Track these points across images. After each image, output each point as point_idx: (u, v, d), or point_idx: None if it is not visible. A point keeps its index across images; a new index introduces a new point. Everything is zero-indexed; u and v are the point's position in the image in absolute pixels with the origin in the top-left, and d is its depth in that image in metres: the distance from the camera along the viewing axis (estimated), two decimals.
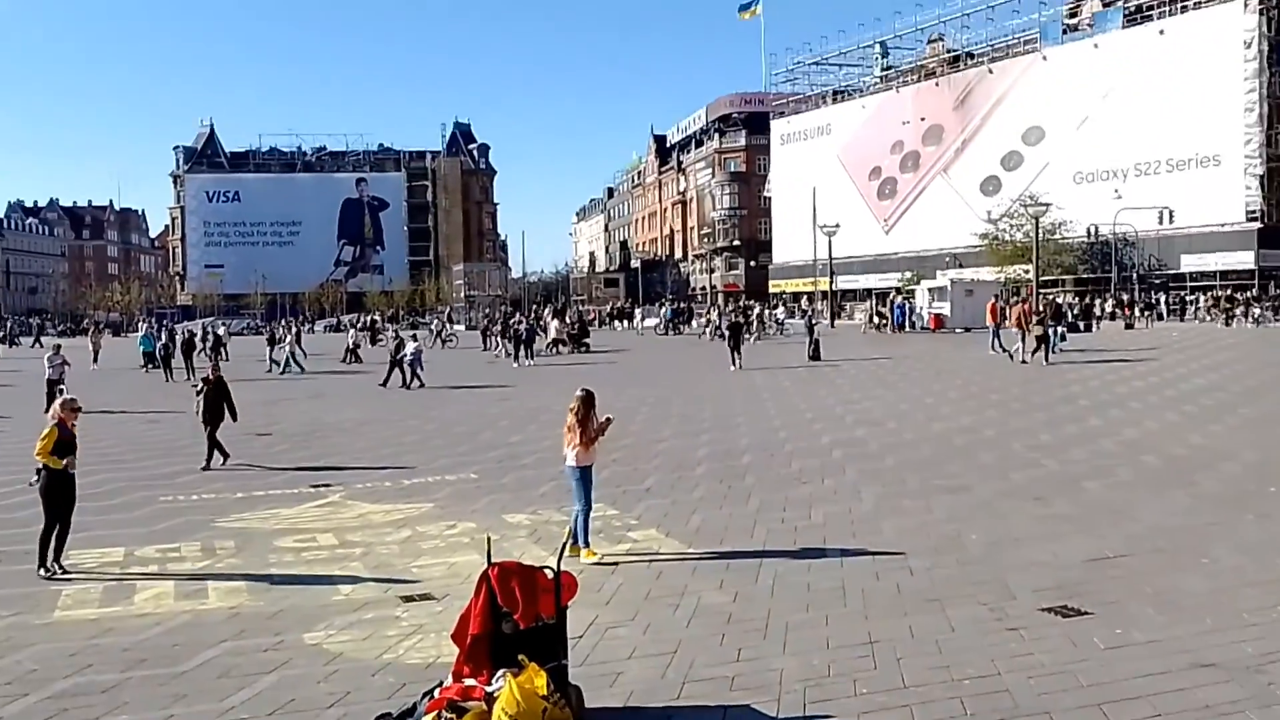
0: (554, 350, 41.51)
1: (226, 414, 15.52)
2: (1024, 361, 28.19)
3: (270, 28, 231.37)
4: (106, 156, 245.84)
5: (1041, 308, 33.72)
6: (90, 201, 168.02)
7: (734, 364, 30.61)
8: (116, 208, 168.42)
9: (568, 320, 49.17)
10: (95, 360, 38.59)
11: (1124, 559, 8.81)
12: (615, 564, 9.26)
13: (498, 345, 41.90)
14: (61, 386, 24.05)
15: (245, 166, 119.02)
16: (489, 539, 7.61)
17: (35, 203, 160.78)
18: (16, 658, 7.19)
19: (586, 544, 9.45)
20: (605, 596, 8.21)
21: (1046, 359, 27.95)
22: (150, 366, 35.88)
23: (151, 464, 15.82)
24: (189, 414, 22.44)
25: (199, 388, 15.84)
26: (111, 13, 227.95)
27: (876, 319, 52.33)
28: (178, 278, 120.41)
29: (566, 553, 6.78)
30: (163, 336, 35.52)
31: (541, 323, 48.98)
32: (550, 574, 6.11)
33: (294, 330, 43.65)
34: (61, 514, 9.45)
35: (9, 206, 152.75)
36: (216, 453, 15.32)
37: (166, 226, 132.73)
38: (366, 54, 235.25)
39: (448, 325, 61.31)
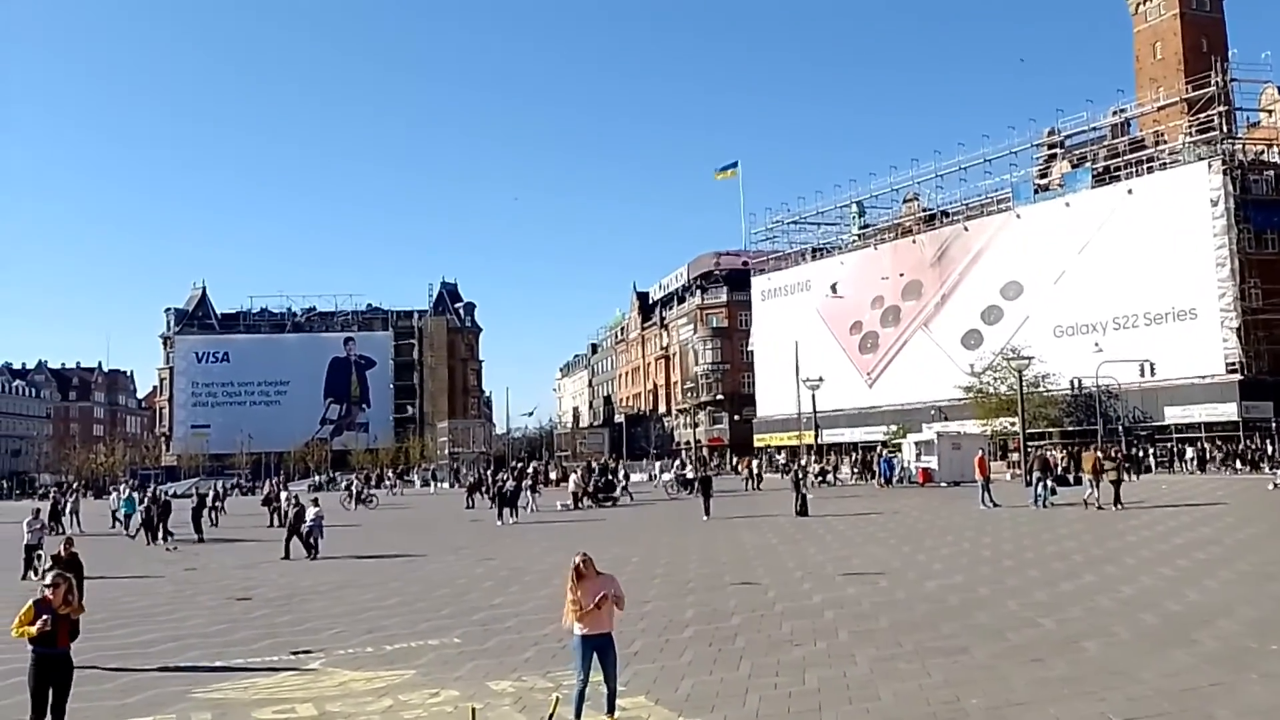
0: (576, 505, 41.18)
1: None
2: (1100, 508, 28.58)
3: (263, 192, 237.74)
4: (98, 318, 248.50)
5: (1114, 454, 34.32)
6: (79, 363, 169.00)
7: (706, 514, 33.33)
8: (105, 369, 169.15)
9: (593, 473, 48.70)
10: (74, 524, 38.02)
11: None
12: None
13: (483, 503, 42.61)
14: (40, 551, 23.64)
15: (235, 327, 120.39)
16: (473, 710, 7.39)
17: (24, 365, 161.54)
18: None
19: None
20: None
21: (1118, 504, 28.65)
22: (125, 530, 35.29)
23: (126, 631, 15.40)
24: (167, 578, 22.19)
25: (48, 566, 13.32)
26: (104, 177, 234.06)
27: (821, 474, 52.18)
28: (163, 438, 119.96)
29: None
30: (144, 499, 34.87)
31: (540, 476, 48.11)
32: None
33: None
34: (53, 701, 8.49)
35: None
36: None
37: (154, 387, 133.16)
38: (356, 216, 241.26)
39: (366, 486, 58.29)
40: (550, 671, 11.48)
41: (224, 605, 18.04)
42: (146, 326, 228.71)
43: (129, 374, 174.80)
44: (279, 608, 17.49)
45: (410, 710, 10.17)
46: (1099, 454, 32.20)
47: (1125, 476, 32.44)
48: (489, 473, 57.24)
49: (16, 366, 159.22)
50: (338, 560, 25.30)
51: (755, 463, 58.60)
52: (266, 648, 13.75)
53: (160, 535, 31.64)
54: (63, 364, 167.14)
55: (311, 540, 25.73)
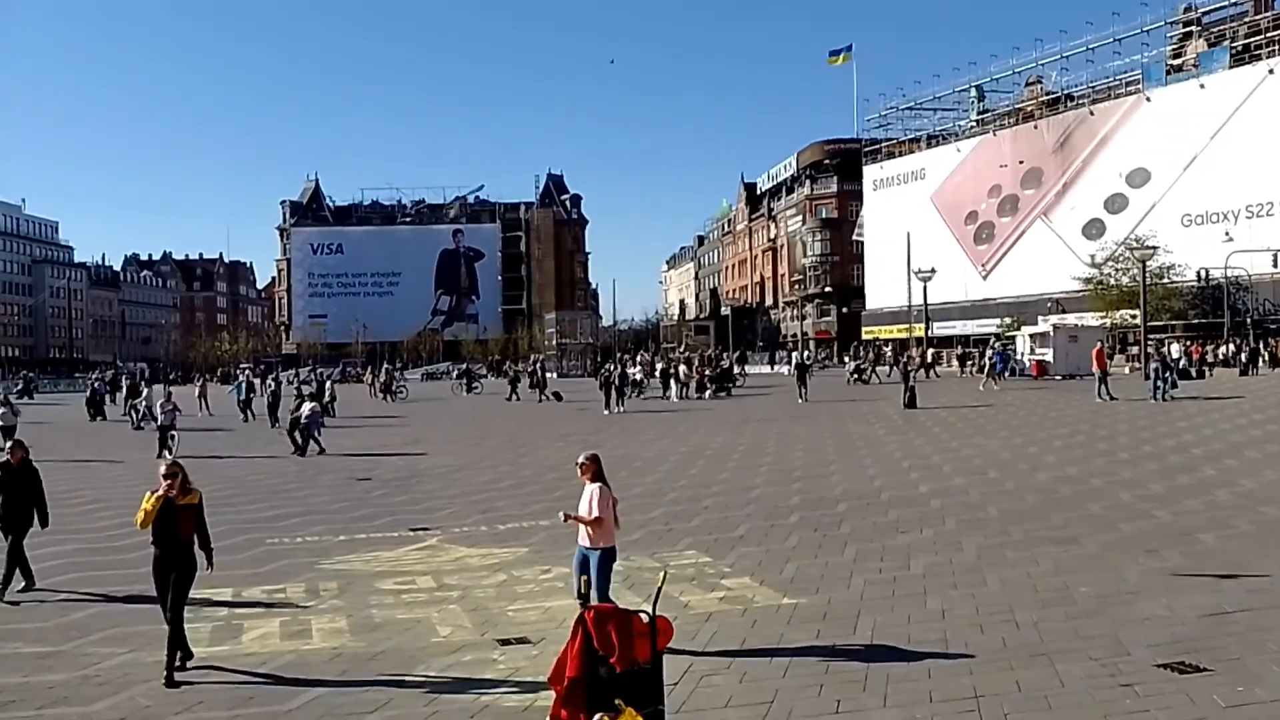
0: (698, 394, 41.70)
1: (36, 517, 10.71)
2: None
3: (373, 87, 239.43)
4: (218, 211, 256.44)
5: None
6: (201, 254, 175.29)
7: (800, 398, 36.36)
8: (226, 260, 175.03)
9: (708, 365, 48.70)
10: (204, 408, 39.76)
11: (1244, 614, 8.41)
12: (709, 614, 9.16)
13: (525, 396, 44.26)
14: (173, 432, 24.97)
15: (348, 220, 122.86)
16: (585, 581, 7.64)
17: (150, 256, 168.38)
18: (130, 693, 7.43)
19: None
20: (700, 644, 8.14)
21: None
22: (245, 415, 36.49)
23: (256, 507, 16.24)
24: (292, 459, 23.22)
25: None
26: (221, 75, 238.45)
27: (856, 372, 49.09)
28: (283, 327, 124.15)
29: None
30: (271, 385, 36.03)
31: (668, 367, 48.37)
32: (646, 618, 6.09)
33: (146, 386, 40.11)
34: (171, 596, 7.80)
35: (125, 260, 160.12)
36: (17, 572, 10.59)
37: (273, 278, 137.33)
38: (464, 108, 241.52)
39: (396, 375, 54.27)
40: (656, 552, 11.79)
41: (346, 485, 18.83)
42: (264, 218, 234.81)
43: (249, 265, 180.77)
44: (397, 488, 18.19)
45: (524, 585, 10.58)
46: None
47: None
48: (530, 368, 56.71)
49: (144, 257, 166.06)
50: (452, 444, 26.13)
51: (931, 352, 56.46)
52: (386, 524, 14.37)
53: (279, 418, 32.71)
54: (186, 255, 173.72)
55: (313, 435, 24.17)
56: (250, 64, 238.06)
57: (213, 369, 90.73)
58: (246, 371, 54.11)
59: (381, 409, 41.78)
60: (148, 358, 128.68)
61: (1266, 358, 46.12)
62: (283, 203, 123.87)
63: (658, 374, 46.50)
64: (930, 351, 56.99)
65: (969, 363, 52.27)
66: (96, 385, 41.70)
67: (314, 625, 9.24)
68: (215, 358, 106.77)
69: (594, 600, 7.55)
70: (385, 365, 61.38)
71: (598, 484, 8.32)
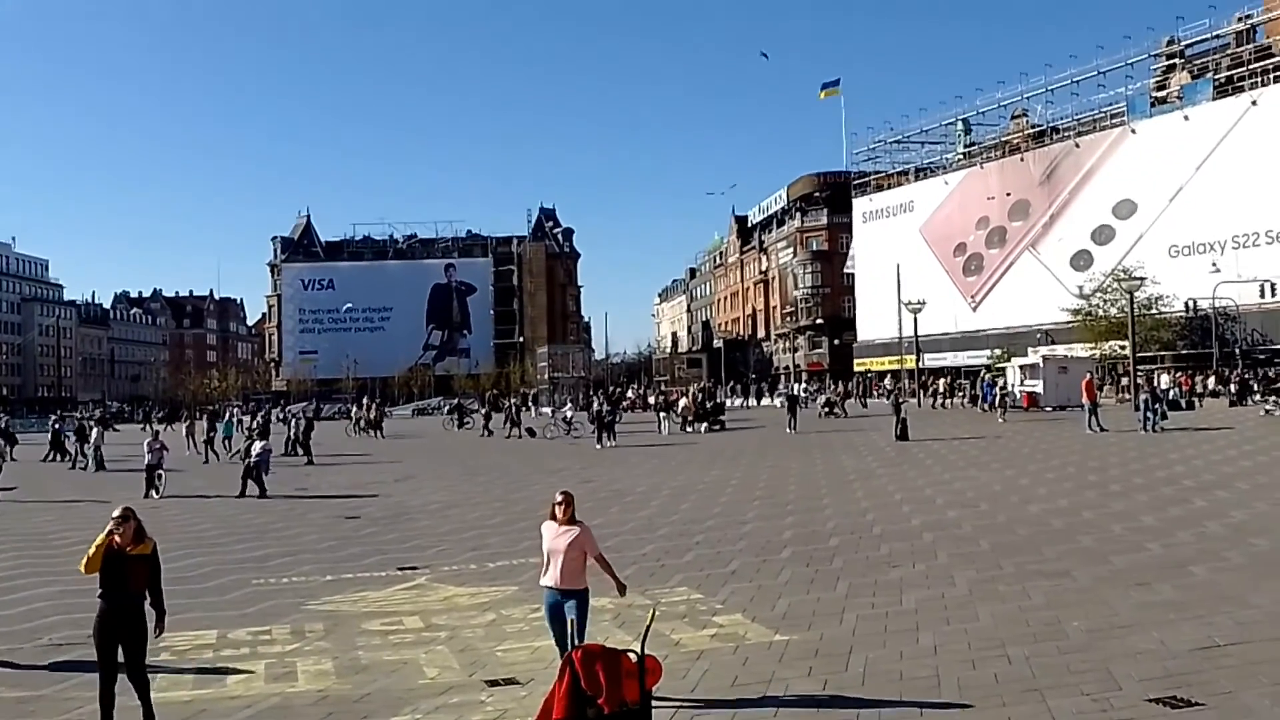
0: (692, 427, 41.75)
1: None
2: None
3: (364, 123, 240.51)
4: (208, 248, 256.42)
5: None
6: (191, 291, 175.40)
7: (790, 428, 38.16)
8: (216, 297, 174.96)
9: (698, 397, 48.76)
10: (191, 446, 39.56)
11: (1236, 647, 8.35)
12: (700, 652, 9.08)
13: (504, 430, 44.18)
14: (160, 471, 24.78)
15: (340, 255, 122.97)
16: (572, 623, 7.57)
17: (140, 293, 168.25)
18: None
19: None
20: (690, 683, 8.05)
21: None
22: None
23: (244, 547, 16.12)
24: (280, 497, 23.06)
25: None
26: (212, 112, 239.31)
27: (827, 405, 49.45)
28: (273, 364, 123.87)
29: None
30: (259, 422, 35.99)
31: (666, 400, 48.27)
32: (634, 658, 6.03)
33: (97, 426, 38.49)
34: (127, 659, 7.13)
35: (115, 298, 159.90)
36: None
37: (263, 314, 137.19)
38: (455, 142, 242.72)
39: (368, 412, 51.75)
40: (648, 589, 11.70)
41: (334, 523, 18.69)
42: (255, 255, 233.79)
43: (239, 301, 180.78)
44: (386, 526, 18.07)
45: (513, 624, 10.49)
46: None
47: None
48: (506, 404, 55.86)
49: (134, 295, 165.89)
50: (442, 481, 26.02)
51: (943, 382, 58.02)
52: (375, 564, 14.25)
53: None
54: (176, 292, 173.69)
55: (257, 476, 23.60)
56: (241, 100, 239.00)
57: (202, 406, 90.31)
58: (235, 410, 53.83)
59: (371, 446, 41.67)
60: (137, 395, 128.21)
61: (1259, 389, 45.83)
62: (274, 239, 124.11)
63: (652, 407, 46.92)
64: (942, 381, 57.82)
65: (959, 392, 52.74)
66: (57, 426, 42.25)
67: (299, 668, 9.13)
68: (205, 395, 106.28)
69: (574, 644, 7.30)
70: (364, 400, 60.70)
71: (578, 525, 7.94)
